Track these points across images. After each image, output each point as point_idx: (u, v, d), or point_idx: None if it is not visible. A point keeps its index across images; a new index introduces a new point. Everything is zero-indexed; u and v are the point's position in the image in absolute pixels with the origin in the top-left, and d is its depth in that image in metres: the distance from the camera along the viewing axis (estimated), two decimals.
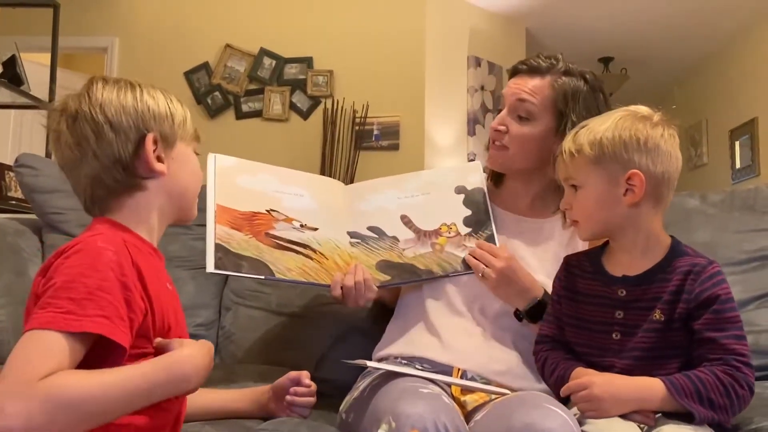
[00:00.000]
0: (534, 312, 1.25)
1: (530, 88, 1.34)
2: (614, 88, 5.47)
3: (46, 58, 3.79)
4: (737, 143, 5.18)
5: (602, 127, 1.09)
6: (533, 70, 1.35)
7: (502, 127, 1.36)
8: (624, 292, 1.09)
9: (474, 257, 1.31)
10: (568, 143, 1.13)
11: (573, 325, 1.14)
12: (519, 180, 1.41)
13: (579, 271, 1.16)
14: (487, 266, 1.29)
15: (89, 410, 0.76)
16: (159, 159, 0.96)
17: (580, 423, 1.02)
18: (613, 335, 1.08)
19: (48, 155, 3.32)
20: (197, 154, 1.05)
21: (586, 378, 1.04)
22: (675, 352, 1.06)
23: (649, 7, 4.70)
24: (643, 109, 1.13)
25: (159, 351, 0.89)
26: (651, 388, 1.02)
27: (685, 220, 1.58)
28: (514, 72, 1.39)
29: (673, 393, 1.00)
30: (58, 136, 0.95)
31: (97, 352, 0.81)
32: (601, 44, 5.41)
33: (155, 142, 0.96)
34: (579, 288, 1.14)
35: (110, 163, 0.93)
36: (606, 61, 5.69)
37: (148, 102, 0.96)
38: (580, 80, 1.34)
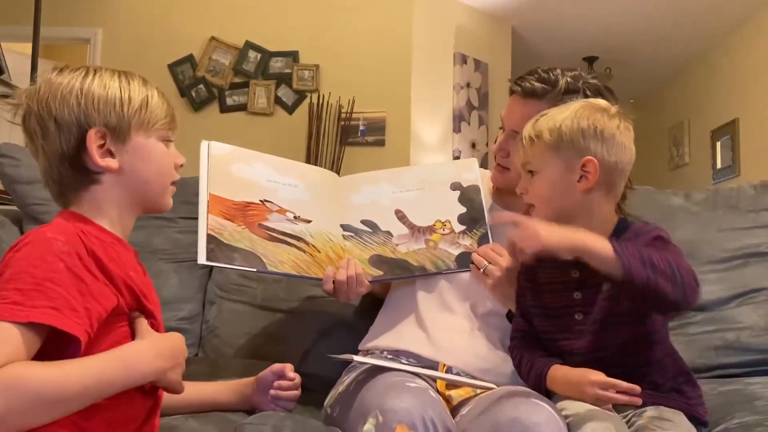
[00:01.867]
0: None
1: (523, 114, 1.27)
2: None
3: (27, 48, 3.72)
4: (718, 144, 5.23)
5: (562, 115, 1.12)
6: (528, 94, 1.30)
7: (501, 151, 1.36)
8: (577, 273, 1.11)
9: (479, 254, 1.31)
10: (528, 129, 1.15)
11: (539, 315, 1.16)
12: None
13: (536, 261, 1.17)
14: (490, 263, 1.28)
15: (48, 400, 0.77)
16: (111, 153, 0.93)
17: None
18: (576, 316, 1.11)
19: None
20: (170, 140, 1.00)
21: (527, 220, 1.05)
22: (628, 318, 1.07)
23: (634, 8, 4.74)
24: (601, 102, 1.17)
25: (132, 325, 0.90)
26: (598, 237, 1.03)
27: (670, 217, 1.59)
28: (510, 91, 1.35)
29: (614, 245, 1.00)
30: (22, 130, 0.94)
31: (55, 344, 0.81)
32: (586, 44, 5.44)
33: (103, 137, 0.92)
34: (539, 278, 1.16)
35: (56, 158, 0.92)
36: (590, 60, 5.73)
37: (94, 92, 0.92)
38: (581, 97, 1.27)
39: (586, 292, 1.11)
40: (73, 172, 0.92)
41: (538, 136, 1.12)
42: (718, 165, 5.22)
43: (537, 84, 1.28)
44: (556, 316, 1.13)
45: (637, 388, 1.01)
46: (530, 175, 1.15)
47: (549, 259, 1.15)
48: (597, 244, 1.01)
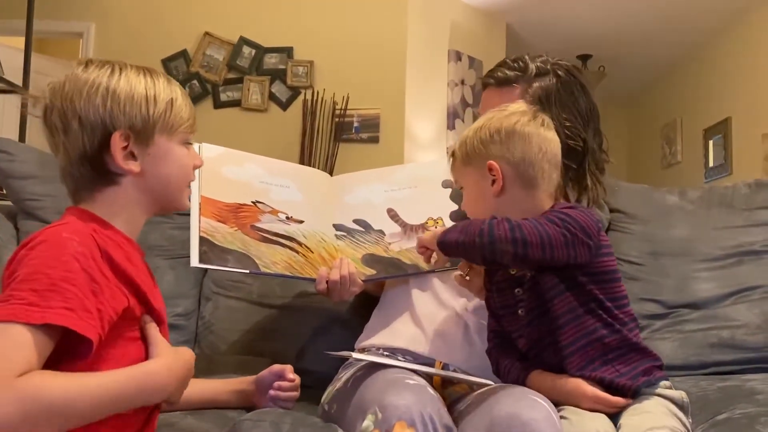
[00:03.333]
0: None
1: (500, 101, 1.29)
2: (592, 85, 5.50)
3: (20, 41, 3.70)
4: (711, 142, 5.26)
5: (469, 130, 1.18)
6: (501, 83, 1.33)
7: None
8: (514, 270, 1.13)
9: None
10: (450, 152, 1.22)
11: (494, 315, 1.18)
12: None
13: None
14: (471, 269, 1.26)
15: (64, 413, 0.77)
16: (133, 155, 0.92)
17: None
18: (519, 312, 1.12)
19: (22, 140, 3.25)
20: (190, 143, 0.99)
21: None
22: (552, 293, 1.08)
23: (628, 6, 4.75)
24: (509, 105, 1.18)
25: (143, 334, 0.90)
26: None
27: (665, 216, 1.60)
28: (484, 85, 1.37)
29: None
30: (42, 124, 0.93)
31: (66, 345, 0.80)
32: (580, 42, 5.46)
33: (126, 139, 0.91)
34: (492, 278, 1.19)
35: (77, 157, 0.91)
36: (584, 58, 5.75)
37: (121, 93, 0.90)
38: (553, 78, 1.31)
39: (525, 288, 1.12)
40: (92, 172, 0.91)
41: (453, 155, 1.19)
42: (711, 163, 5.25)
43: (509, 72, 1.32)
44: (505, 314, 1.15)
45: (621, 401, 1.05)
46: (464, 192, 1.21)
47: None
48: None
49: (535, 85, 1.31)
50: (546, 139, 1.14)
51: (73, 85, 0.91)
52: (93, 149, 0.90)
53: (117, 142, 0.90)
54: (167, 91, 0.95)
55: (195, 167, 1.01)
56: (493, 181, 1.13)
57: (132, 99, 0.91)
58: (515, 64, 1.33)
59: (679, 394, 1.07)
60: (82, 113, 0.90)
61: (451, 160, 1.20)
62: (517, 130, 1.12)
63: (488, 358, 1.20)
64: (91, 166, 0.91)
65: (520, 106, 1.18)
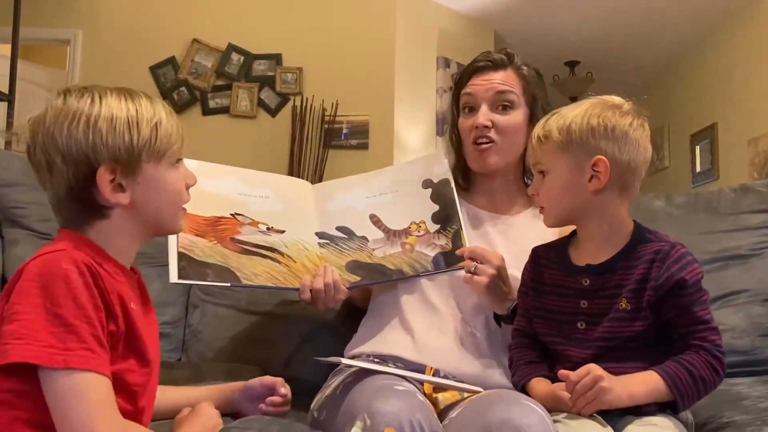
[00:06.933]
0: (514, 316, 1.24)
1: (503, 79, 1.36)
2: (580, 91, 5.57)
3: (6, 49, 3.68)
4: (697, 148, 5.31)
5: (573, 113, 1.09)
6: (497, 65, 1.37)
7: (488, 122, 1.34)
8: (588, 282, 1.09)
9: (466, 255, 1.27)
10: (538, 129, 1.13)
11: (540, 317, 1.14)
12: (495, 177, 1.40)
13: (545, 261, 1.16)
14: (481, 262, 1.24)
15: None
16: (121, 187, 0.89)
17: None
18: (578, 324, 1.08)
19: (7, 147, 3.23)
20: (180, 159, 0.95)
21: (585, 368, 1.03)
22: (639, 344, 1.06)
23: (616, 13, 4.79)
24: (615, 99, 1.13)
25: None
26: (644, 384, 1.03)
27: (652, 220, 1.60)
28: (476, 70, 1.39)
29: (668, 382, 1.02)
30: (28, 161, 0.91)
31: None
32: (568, 48, 5.50)
33: (113, 171, 0.88)
34: (545, 279, 1.14)
35: (64, 193, 0.88)
36: (572, 64, 5.79)
37: (102, 126, 0.87)
38: (532, 70, 1.40)
39: (595, 303, 1.08)
40: (81, 207, 0.89)
41: (547, 135, 1.10)
42: (698, 168, 5.30)
43: (503, 55, 1.39)
44: (558, 321, 1.11)
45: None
46: (541, 176, 1.12)
47: (557, 261, 1.15)
48: (649, 396, 1.02)
49: (525, 69, 1.39)
50: (648, 149, 1.09)
51: (53, 119, 0.87)
52: (79, 184, 0.87)
53: (103, 176, 0.87)
54: (150, 113, 0.91)
55: (187, 186, 0.97)
56: (591, 177, 1.06)
57: (114, 129, 0.87)
58: (501, 50, 1.41)
59: (684, 414, 1.06)
60: (64, 149, 0.86)
61: (539, 138, 1.11)
62: (630, 134, 1.06)
63: (508, 352, 1.20)
64: (80, 201, 0.88)
65: (628, 105, 1.11)
